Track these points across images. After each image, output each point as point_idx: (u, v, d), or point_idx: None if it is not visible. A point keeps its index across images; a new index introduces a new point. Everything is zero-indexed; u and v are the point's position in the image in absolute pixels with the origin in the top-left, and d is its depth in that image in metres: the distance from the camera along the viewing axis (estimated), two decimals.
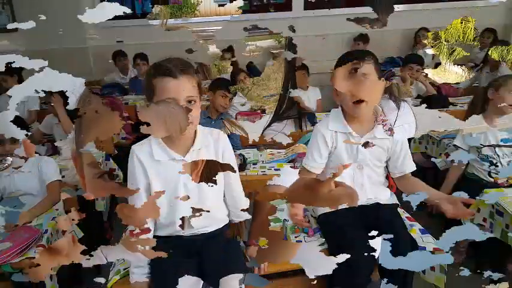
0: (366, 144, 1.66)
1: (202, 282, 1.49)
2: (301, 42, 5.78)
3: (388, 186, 1.87)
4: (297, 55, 5.65)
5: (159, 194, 1.04)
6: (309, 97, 4.12)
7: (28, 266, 1.67)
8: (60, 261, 0.94)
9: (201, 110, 1.69)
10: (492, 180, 2.40)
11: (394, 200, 1.83)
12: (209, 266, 1.50)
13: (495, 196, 1.85)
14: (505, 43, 4.08)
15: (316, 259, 1.02)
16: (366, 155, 1.72)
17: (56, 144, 3.13)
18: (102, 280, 1.37)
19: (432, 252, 1.65)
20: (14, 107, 0.87)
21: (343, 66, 1.57)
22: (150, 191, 1.52)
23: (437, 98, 3.64)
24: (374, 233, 1.62)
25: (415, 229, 1.76)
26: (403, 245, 1.58)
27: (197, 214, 1.54)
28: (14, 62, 0.80)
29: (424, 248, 1.64)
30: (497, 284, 1.16)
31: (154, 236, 1.63)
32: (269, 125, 3.25)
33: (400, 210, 1.84)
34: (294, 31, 2.48)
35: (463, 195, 1.26)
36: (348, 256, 1.51)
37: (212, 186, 1.57)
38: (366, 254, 1.56)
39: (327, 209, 1.78)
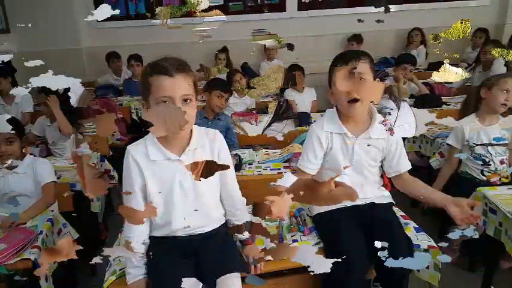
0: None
1: (201, 284, 1.49)
2: (294, 43, 5.81)
3: (382, 185, 1.89)
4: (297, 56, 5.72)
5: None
6: (304, 99, 4.14)
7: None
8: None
9: (197, 111, 1.70)
10: (485, 178, 2.42)
11: (389, 199, 1.84)
12: (206, 266, 1.50)
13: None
14: (497, 43, 4.11)
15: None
16: (361, 156, 1.73)
17: (49, 146, 3.12)
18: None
19: (427, 250, 1.67)
20: None
21: (344, 68, 1.59)
22: (146, 191, 1.52)
23: (430, 98, 3.67)
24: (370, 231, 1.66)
25: (409, 227, 1.77)
26: (399, 243, 1.59)
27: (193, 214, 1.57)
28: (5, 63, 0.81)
29: (418, 246, 1.65)
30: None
31: (151, 237, 1.64)
32: (269, 125, 3.28)
33: (394, 208, 1.86)
34: (292, 49, 2.50)
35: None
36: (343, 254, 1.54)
37: (208, 186, 1.59)
38: (360, 252, 1.57)
39: (323, 209, 1.80)
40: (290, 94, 4.12)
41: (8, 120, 1.32)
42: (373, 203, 1.77)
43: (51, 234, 1.97)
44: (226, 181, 1.64)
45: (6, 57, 0.90)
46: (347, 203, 1.73)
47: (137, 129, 4.08)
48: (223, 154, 1.61)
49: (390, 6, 5.35)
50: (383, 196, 1.83)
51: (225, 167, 1.55)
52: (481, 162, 2.43)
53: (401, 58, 3.99)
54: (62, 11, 5.31)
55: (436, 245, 1.66)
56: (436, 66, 5.39)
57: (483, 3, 5.76)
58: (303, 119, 3.29)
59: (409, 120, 1.78)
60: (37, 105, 3.75)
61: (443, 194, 1.69)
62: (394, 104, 1.71)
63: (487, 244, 2.10)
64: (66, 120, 2.93)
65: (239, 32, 5.67)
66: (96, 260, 1.09)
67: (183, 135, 1.50)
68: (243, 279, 1.51)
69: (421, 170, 3.09)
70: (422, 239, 1.69)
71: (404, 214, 1.89)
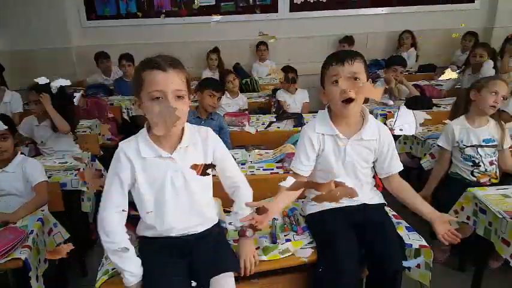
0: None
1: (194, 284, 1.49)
2: (286, 44, 5.88)
3: (374, 186, 1.90)
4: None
5: None
6: (295, 100, 4.15)
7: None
8: None
9: (190, 110, 1.70)
10: (475, 179, 2.45)
11: (381, 200, 1.85)
12: (199, 266, 1.50)
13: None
14: (485, 46, 4.16)
15: None
16: (353, 157, 1.73)
17: (38, 146, 3.09)
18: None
19: (418, 250, 1.69)
20: None
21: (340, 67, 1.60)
22: (137, 188, 1.51)
23: (421, 100, 3.70)
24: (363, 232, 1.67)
25: (401, 227, 1.78)
26: (391, 243, 1.61)
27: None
28: None
29: (410, 246, 1.66)
30: None
31: (144, 237, 1.63)
32: (269, 125, 3.29)
33: (386, 208, 1.87)
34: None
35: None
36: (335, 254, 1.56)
37: (200, 184, 1.59)
38: (352, 252, 1.58)
39: (315, 209, 1.80)
40: (282, 95, 4.13)
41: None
42: (366, 203, 1.78)
43: (41, 234, 1.95)
44: (228, 175, 1.67)
45: None
46: (339, 204, 1.76)
47: (128, 129, 4.07)
48: (219, 150, 1.61)
49: (381, 8, 5.43)
50: (375, 197, 1.84)
51: (211, 166, 1.59)
52: (471, 163, 2.45)
53: (391, 60, 4.02)
54: (52, 9, 5.27)
55: (427, 245, 1.68)
56: (426, 68, 5.48)
57: (473, 6, 5.83)
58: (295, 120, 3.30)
59: (409, 120, 1.81)
60: (26, 104, 3.71)
61: (431, 208, 1.72)
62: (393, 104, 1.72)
63: (476, 244, 2.13)
64: (61, 117, 2.91)
65: (231, 32, 5.68)
66: None
67: (175, 132, 1.49)
68: (236, 278, 1.51)
69: (412, 171, 3.13)
70: (414, 239, 1.70)
71: (396, 214, 1.90)
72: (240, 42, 5.80)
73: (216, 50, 5.48)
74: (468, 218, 2.10)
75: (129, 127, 4.22)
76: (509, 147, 2.47)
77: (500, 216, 1.81)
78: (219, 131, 2.91)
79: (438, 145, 2.58)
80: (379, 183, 1.91)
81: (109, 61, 5.25)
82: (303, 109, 4.12)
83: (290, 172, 1.86)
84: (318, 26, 5.78)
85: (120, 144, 1.52)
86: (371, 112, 1.77)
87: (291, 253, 1.65)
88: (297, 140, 2.72)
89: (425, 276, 1.70)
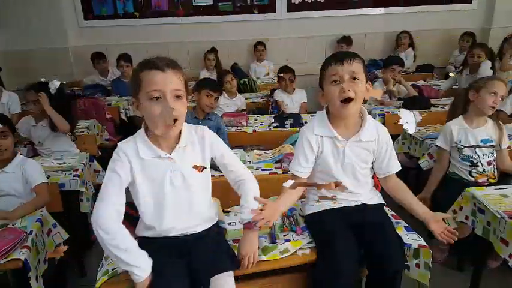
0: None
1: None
2: (284, 44, 5.88)
3: (373, 186, 1.90)
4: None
5: None
6: (293, 100, 4.15)
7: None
8: None
9: (188, 111, 1.70)
10: (473, 179, 2.45)
11: (380, 200, 1.85)
12: (199, 266, 1.50)
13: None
14: (483, 46, 4.17)
15: None
16: (352, 158, 1.73)
17: (35, 146, 3.08)
18: None
19: (417, 250, 1.69)
20: None
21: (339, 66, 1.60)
22: (136, 188, 1.52)
23: (419, 100, 3.71)
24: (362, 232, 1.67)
25: (400, 227, 1.78)
26: (391, 243, 1.61)
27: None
28: None
29: (409, 246, 1.66)
30: None
31: (143, 237, 1.63)
32: (271, 124, 3.29)
33: (385, 208, 1.87)
34: None
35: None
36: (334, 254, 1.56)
37: (199, 183, 1.59)
38: (350, 252, 1.58)
39: (314, 209, 1.81)
40: (279, 95, 4.13)
41: None
42: (365, 204, 1.78)
43: (40, 235, 1.95)
44: (230, 170, 1.67)
45: None
46: (338, 204, 1.76)
47: (126, 129, 4.06)
48: (216, 145, 1.62)
49: (379, 8, 5.46)
50: (374, 197, 1.84)
51: (210, 165, 1.60)
52: (469, 164, 2.46)
53: (389, 60, 4.03)
54: (49, 9, 5.26)
55: (426, 244, 1.68)
56: (424, 68, 5.49)
57: (471, 7, 5.84)
58: (294, 121, 3.29)
59: (410, 120, 1.81)
60: (23, 104, 3.70)
61: (426, 209, 1.72)
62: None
63: (475, 244, 2.13)
64: (60, 117, 2.90)
65: (228, 32, 5.68)
66: None
67: (174, 133, 1.49)
68: (236, 278, 1.51)
69: (411, 171, 3.13)
70: (413, 239, 1.70)
71: (394, 214, 1.90)
72: (237, 42, 5.80)
73: (213, 50, 5.47)
74: (467, 217, 2.10)
75: (127, 127, 4.21)
76: (507, 147, 2.48)
77: (499, 216, 1.81)
78: (217, 132, 2.89)
79: (436, 145, 2.58)
80: (378, 184, 1.91)
81: (105, 62, 5.25)
82: (301, 109, 4.12)
83: (288, 172, 1.86)
84: (316, 26, 5.78)
85: (119, 144, 1.53)
86: (369, 112, 1.77)
87: (290, 253, 1.65)
88: (295, 141, 2.72)
89: (425, 276, 1.70)
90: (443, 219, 1.66)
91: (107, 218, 1.41)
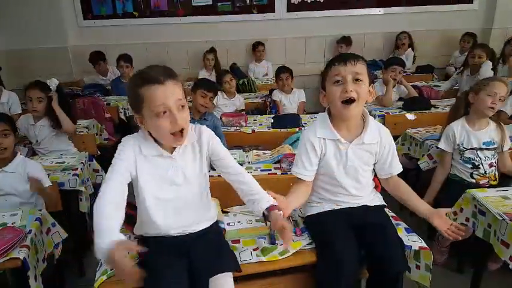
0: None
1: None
2: (283, 44, 5.87)
3: (374, 187, 1.89)
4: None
5: None
6: (291, 100, 4.14)
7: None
8: None
9: None
10: (474, 181, 2.44)
11: (381, 201, 1.84)
12: (198, 266, 1.49)
13: None
14: (484, 46, 4.16)
15: None
16: (355, 161, 1.72)
17: (33, 146, 3.06)
18: None
19: (418, 251, 1.68)
20: None
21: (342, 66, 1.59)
22: (137, 186, 1.52)
23: (419, 100, 3.70)
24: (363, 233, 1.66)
25: (400, 228, 1.77)
26: (392, 245, 1.60)
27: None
28: None
29: (410, 247, 1.66)
30: None
31: (142, 237, 1.63)
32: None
33: (386, 210, 1.86)
34: None
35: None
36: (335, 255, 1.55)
37: (199, 183, 1.59)
38: (351, 253, 1.57)
39: (314, 210, 1.80)
40: (277, 95, 4.13)
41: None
42: (366, 205, 1.77)
43: (39, 234, 1.94)
44: (229, 166, 1.63)
45: None
46: (339, 206, 1.75)
47: (125, 129, 4.05)
48: (212, 143, 1.60)
49: (379, 9, 5.47)
50: (375, 198, 1.83)
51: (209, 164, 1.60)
52: (470, 166, 2.45)
53: (390, 60, 4.04)
54: (49, 9, 5.25)
55: (427, 246, 1.67)
56: (424, 69, 5.49)
57: (471, 7, 5.84)
58: (291, 121, 3.28)
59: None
60: (23, 103, 3.68)
61: (427, 206, 1.72)
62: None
63: (475, 245, 2.12)
64: (68, 118, 2.91)
65: (228, 32, 5.67)
66: None
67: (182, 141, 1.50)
68: (235, 278, 1.50)
69: (410, 172, 3.12)
70: (413, 240, 1.69)
71: (395, 215, 1.90)
72: (236, 42, 5.79)
73: (212, 50, 5.46)
74: (467, 219, 2.08)
75: (126, 127, 4.20)
76: (509, 150, 2.47)
77: (500, 218, 1.80)
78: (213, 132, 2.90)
79: (438, 147, 2.57)
80: (378, 184, 1.90)
81: (105, 62, 5.25)
82: (298, 109, 4.10)
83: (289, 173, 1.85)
84: (316, 26, 5.77)
85: (123, 139, 1.54)
86: (369, 113, 1.76)
87: (290, 254, 1.64)
88: (294, 141, 2.72)
89: (426, 278, 1.69)
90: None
91: (108, 198, 1.36)
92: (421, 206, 1.72)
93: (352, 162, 1.71)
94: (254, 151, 2.70)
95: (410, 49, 5.67)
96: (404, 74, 4.19)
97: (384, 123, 2.79)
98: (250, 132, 3.20)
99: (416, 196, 1.77)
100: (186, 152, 1.55)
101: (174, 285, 1.42)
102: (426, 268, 1.68)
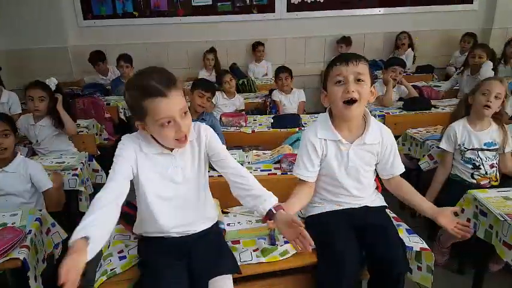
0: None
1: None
2: (283, 44, 5.87)
3: (375, 188, 1.88)
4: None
5: None
6: (291, 100, 4.13)
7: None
8: None
9: None
10: (475, 181, 2.43)
11: (382, 202, 1.83)
12: (198, 267, 1.48)
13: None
14: (484, 46, 4.15)
15: None
16: (356, 162, 1.71)
17: (32, 146, 3.05)
18: None
19: (419, 253, 1.67)
20: None
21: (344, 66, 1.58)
22: (137, 184, 1.52)
23: (420, 100, 3.70)
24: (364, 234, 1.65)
25: (401, 229, 1.77)
26: (393, 246, 1.59)
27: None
28: None
29: (411, 248, 1.65)
30: None
31: (142, 237, 1.62)
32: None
33: (387, 211, 1.85)
34: None
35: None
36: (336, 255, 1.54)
37: (199, 181, 1.59)
38: (352, 254, 1.56)
39: (315, 211, 1.79)
40: (277, 95, 4.12)
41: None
42: (367, 206, 1.76)
43: (39, 234, 1.93)
44: (227, 171, 1.62)
45: None
46: (340, 206, 1.75)
47: (125, 129, 4.04)
48: (210, 141, 1.59)
49: (379, 9, 5.47)
50: (377, 199, 1.82)
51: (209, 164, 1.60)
52: (471, 166, 2.44)
53: (390, 61, 4.03)
54: (49, 9, 5.24)
55: (428, 247, 1.66)
56: (424, 69, 5.48)
57: (471, 7, 5.83)
58: (291, 121, 3.27)
59: None
60: (23, 103, 3.67)
61: (431, 204, 1.72)
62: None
63: (476, 246, 2.11)
64: (71, 119, 2.92)
65: (227, 32, 5.67)
66: None
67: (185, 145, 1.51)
68: (234, 280, 1.49)
69: (411, 172, 3.11)
70: (414, 241, 1.69)
71: (396, 216, 1.89)
72: (236, 42, 5.79)
73: (212, 50, 5.46)
74: (468, 220, 2.07)
75: (126, 127, 4.19)
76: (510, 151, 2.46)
77: (502, 219, 1.79)
78: None
79: (439, 147, 2.56)
80: (379, 185, 1.89)
81: (105, 63, 5.25)
82: (298, 109, 4.09)
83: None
84: (315, 26, 5.77)
85: (123, 137, 1.54)
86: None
87: (290, 255, 1.63)
88: (294, 141, 2.71)
89: (427, 279, 1.68)
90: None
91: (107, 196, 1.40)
92: (425, 205, 1.71)
93: (353, 162, 1.70)
94: (254, 151, 2.69)
95: (410, 49, 5.67)
96: (405, 74, 4.18)
97: (384, 123, 2.78)
98: (250, 132, 3.20)
99: (420, 196, 1.76)
100: (185, 151, 1.55)
101: (174, 285, 1.41)
102: (428, 269, 1.67)
